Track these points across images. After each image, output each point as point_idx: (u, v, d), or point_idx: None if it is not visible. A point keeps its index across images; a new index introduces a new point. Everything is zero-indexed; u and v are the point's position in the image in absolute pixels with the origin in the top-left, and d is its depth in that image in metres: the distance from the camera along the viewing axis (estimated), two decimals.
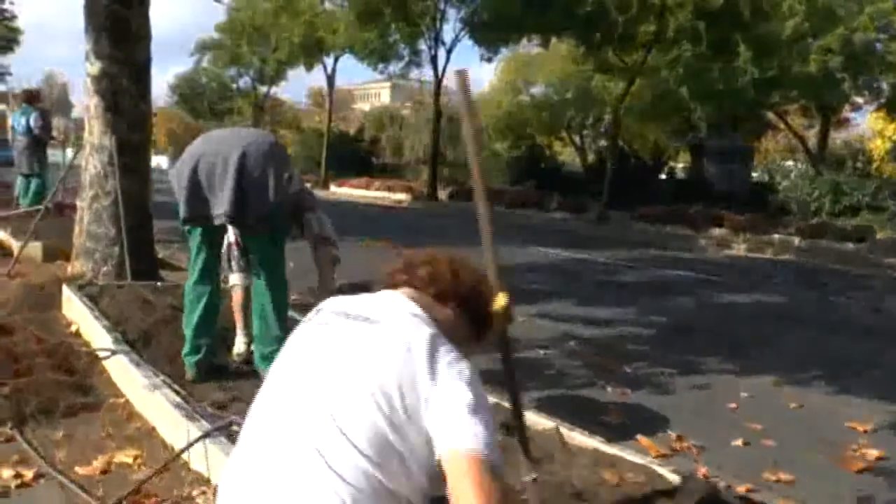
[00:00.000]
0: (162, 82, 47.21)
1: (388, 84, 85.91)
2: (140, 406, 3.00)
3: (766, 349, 5.83)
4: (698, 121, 27.62)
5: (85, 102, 5.54)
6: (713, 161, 22.54)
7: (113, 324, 3.74)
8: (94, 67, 5.38)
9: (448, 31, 28.75)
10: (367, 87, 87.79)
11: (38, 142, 9.40)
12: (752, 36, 17.65)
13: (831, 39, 20.07)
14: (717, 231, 16.44)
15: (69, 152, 10.67)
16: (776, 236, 15.59)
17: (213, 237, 3.30)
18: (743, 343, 6.00)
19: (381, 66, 24.08)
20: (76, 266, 5.54)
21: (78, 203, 5.61)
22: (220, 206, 3.08)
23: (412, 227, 15.56)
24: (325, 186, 28.25)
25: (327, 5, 25.61)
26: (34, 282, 5.30)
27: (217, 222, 3.15)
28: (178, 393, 2.87)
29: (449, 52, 22.94)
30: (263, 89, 35.55)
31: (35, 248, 6.53)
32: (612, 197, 19.13)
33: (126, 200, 5.40)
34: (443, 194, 24.08)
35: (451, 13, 22.65)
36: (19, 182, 10.33)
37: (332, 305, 1.50)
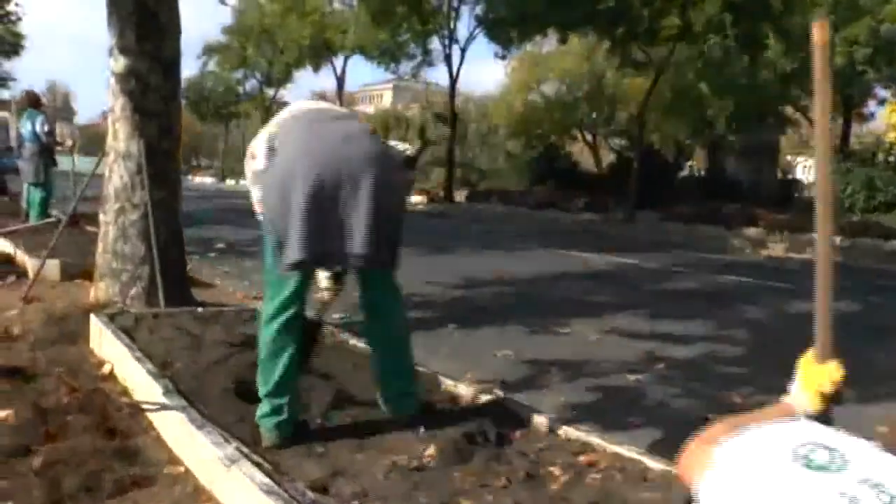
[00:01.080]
0: None
1: (389, 86, 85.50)
2: (208, 481, 2.35)
3: (880, 366, 5.17)
4: (716, 117, 27.04)
5: (109, 104, 4.89)
6: (739, 157, 21.86)
7: (158, 366, 3.10)
8: (119, 64, 4.74)
9: (462, 29, 27.99)
10: (368, 90, 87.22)
11: (46, 149, 8.79)
12: (783, 28, 17.00)
13: (857, 30, 19.42)
14: (751, 230, 15.78)
15: (76, 159, 10.03)
16: (815, 235, 14.89)
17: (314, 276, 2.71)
18: (857, 360, 5.32)
19: (392, 66, 23.38)
20: (100, 289, 4.89)
21: (101, 217, 4.96)
22: (355, 244, 2.37)
23: (443, 231, 14.93)
24: None
25: (336, 5, 24.98)
26: (54, 308, 4.66)
27: (353, 266, 2.49)
28: (259, 466, 2.22)
29: (463, 50, 22.34)
30: (270, 92, 34.97)
31: (51, 267, 5.89)
32: (637, 196, 18.51)
33: (156, 214, 4.76)
34: (458, 196, 23.44)
35: (465, 10, 21.99)
36: (26, 192, 9.72)
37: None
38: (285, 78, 32.02)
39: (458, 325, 5.78)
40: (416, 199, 23.53)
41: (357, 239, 2.36)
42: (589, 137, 32.93)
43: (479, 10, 21.04)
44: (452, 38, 22.32)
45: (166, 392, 2.75)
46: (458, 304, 6.91)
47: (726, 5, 16.28)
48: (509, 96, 33.02)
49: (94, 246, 7.08)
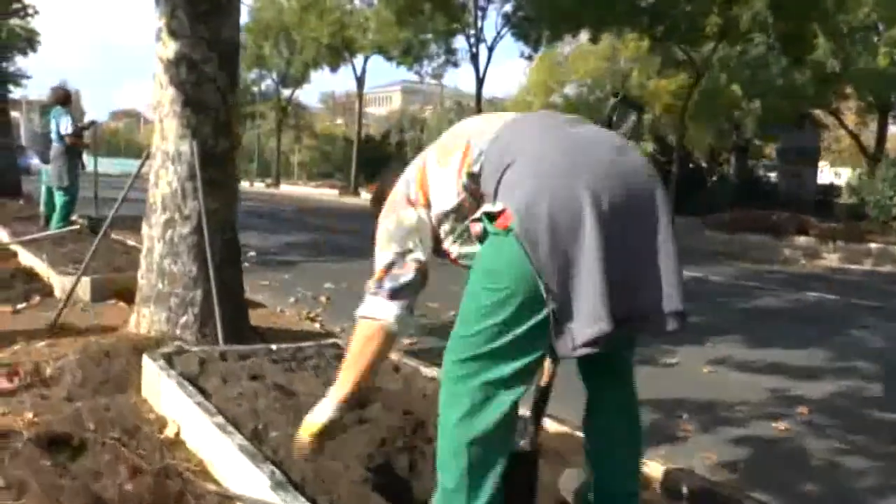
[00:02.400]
0: None
1: (398, 88, 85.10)
2: None
3: None
4: (744, 120, 26.24)
5: (156, 98, 4.15)
6: (777, 161, 21.02)
7: (249, 435, 2.34)
8: (169, 49, 3.99)
9: (488, 29, 27.11)
10: (377, 92, 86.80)
11: (71, 150, 8.07)
12: (832, 27, 16.20)
13: None
14: (800, 239, 14.96)
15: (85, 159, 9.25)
16: (872, 245, 14.09)
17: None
18: None
19: (416, 66, 22.63)
20: (143, 315, 4.14)
21: (145, 231, 4.21)
22: (669, 297, 1.62)
23: None
24: (356, 194, 26.87)
25: (357, 3, 24.26)
26: (93, 342, 3.91)
27: (669, 328, 1.66)
28: None
29: (490, 49, 21.52)
30: (285, 93, 34.24)
31: (80, 283, 5.14)
32: (675, 201, 17.70)
33: (211, 227, 4.01)
34: None
35: (492, 8, 21.20)
36: (44, 195, 9.01)
37: None
38: (302, 78, 31.26)
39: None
40: None
41: (669, 289, 1.60)
42: None
43: (508, 7, 20.28)
44: (480, 37, 21.53)
45: (276, 486, 1.98)
46: None
47: (773, 2, 15.48)
48: (528, 97, 32.27)
49: (124, 258, 6.38)
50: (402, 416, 2.46)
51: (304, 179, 40.29)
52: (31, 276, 5.58)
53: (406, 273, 1.91)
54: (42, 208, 9.10)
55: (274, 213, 19.03)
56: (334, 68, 28.47)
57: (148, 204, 4.18)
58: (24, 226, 8.75)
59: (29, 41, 14.64)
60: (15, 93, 18.02)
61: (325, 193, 29.11)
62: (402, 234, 1.93)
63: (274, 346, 3.43)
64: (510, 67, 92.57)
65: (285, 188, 30.79)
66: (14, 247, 7.18)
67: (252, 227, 13.67)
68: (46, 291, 5.25)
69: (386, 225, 1.99)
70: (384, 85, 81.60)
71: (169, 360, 3.11)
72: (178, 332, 4.01)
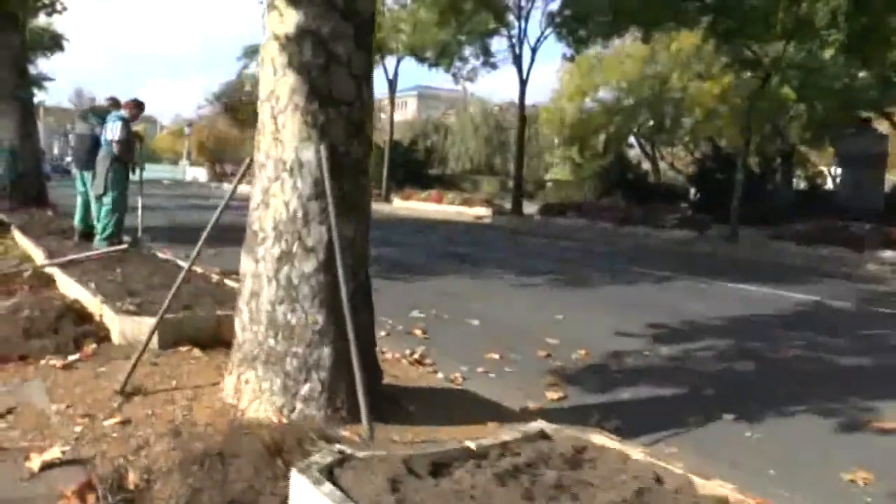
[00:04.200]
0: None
1: (414, 93, 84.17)
2: None
3: None
4: (791, 125, 25.01)
5: (266, 88, 3.07)
6: (843, 168, 19.78)
7: None
8: (288, 21, 2.93)
9: (531, 30, 25.81)
10: (396, 96, 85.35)
11: (117, 157, 7.05)
12: None
13: None
14: (886, 253, 13.75)
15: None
16: None
17: None
18: None
19: (454, 67, 21.57)
20: (247, 381, 3.06)
21: (246, 266, 3.13)
22: None
23: (540, 251, 13.07)
24: (388, 200, 25.84)
25: (389, 2, 23.21)
26: (184, 424, 2.85)
27: None
28: None
29: (534, 51, 20.43)
30: None
31: (144, 326, 4.08)
32: (728, 211, 16.50)
33: (345, 262, 2.93)
34: (528, 208, 21.52)
35: (535, 7, 20.11)
36: (80, 207, 8.00)
37: None
38: None
39: (716, 415, 4.01)
40: (479, 210, 21.62)
41: None
42: (647, 146, 30.96)
43: (553, 6, 19.19)
44: (523, 38, 20.43)
45: None
46: (685, 375, 5.06)
47: None
48: (561, 101, 31.14)
49: (188, 289, 5.31)
50: None
51: None
52: (77, 312, 4.50)
53: None
54: (76, 222, 8.08)
55: None
56: None
57: (250, 231, 3.11)
58: (59, 242, 7.71)
59: (55, 41, 13.68)
60: (38, 95, 17.14)
61: None
62: None
63: (471, 445, 2.33)
64: (540, 73, 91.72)
65: None
66: (51, 269, 6.14)
67: None
68: (101, 335, 4.18)
69: None
70: (400, 90, 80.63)
71: (330, 473, 2.03)
72: (298, 405, 2.93)
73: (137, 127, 7.42)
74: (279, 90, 2.96)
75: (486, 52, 21.99)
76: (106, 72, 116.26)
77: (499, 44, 28.21)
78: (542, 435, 2.59)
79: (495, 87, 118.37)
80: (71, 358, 3.78)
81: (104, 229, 7.06)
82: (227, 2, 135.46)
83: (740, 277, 10.39)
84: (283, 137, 2.96)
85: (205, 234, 3.33)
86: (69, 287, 5.36)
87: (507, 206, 22.18)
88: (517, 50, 20.26)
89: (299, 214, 2.95)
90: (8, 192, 11.68)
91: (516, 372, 4.89)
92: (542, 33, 20.19)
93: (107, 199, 7.03)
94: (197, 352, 4.00)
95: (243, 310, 3.10)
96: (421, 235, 15.40)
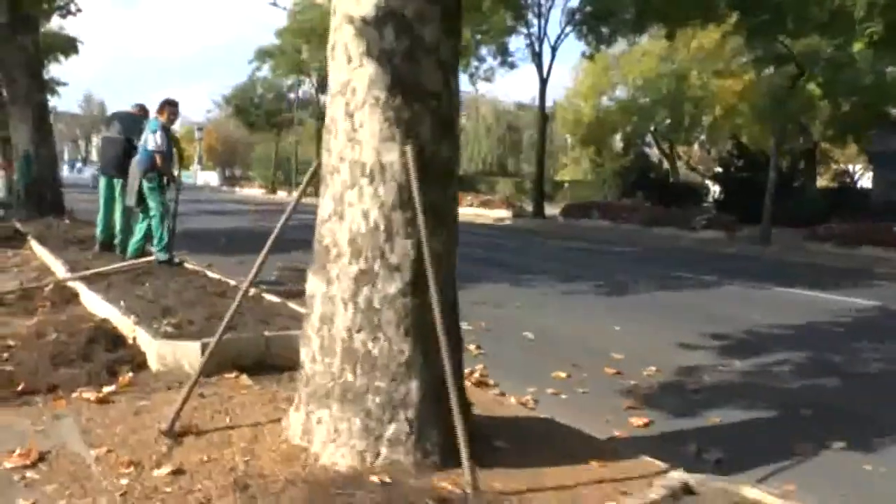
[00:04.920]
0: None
1: None
2: None
3: None
4: (815, 122, 24.43)
5: (338, 80, 2.64)
6: (876, 167, 19.22)
7: None
8: (364, 1, 2.50)
9: (552, 26, 25.22)
10: None
11: (151, 167, 6.64)
12: None
13: None
14: None
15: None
16: None
17: None
18: None
19: (471, 67, 21.11)
20: (319, 421, 2.63)
21: (314, 287, 2.70)
22: None
23: (579, 258, 12.60)
24: None
25: None
26: (241, 469, 2.42)
27: None
28: None
29: (554, 49, 19.93)
30: (324, 98, 32.87)
31: (186, 350, 3.66)
32: (755, 211, 15.99)
33: (435, 282, 2.49)
34: (551, 210, 21.04)
35: (555, 5, 19.64)
36: (102, 216, 7.61)
37: None
38: None
39: (823, 443, 3.59)
40: (499, 213, 21.14)
41: None
42: (665, 145, 30.43)
43: (573, 2, 18.72)
44: (543, 36, 19.95)
45: None
46: (770, 393, 4.62)
47: None
48: (576, 100, 30.65)
49: (223, 304, 4.87)
50: None
51: None
52: (108, 333, 4.07)
53: None
54: (98, 232, 7.67)
55: None
56: None
57: (320, 246, 2.68)
58: (79, 253, 7.31)
59: (70, 43, 13.32)
60: (51, 100, 16.79)
61: None
62: None
63: None
64: (553, 72, 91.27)
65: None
66: (74, 284, 5.73)
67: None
68: (137, 361, 3.75)
69: None
70: None
71: None
72: (383, 450, 2.50)
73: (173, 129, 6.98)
74: (356, 82, 2.52)
75: (504, 52, 21.52)
76: (107, 77, 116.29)
77: (516, 42, 27.75)
78: (687, 489, 2.15)
79: (506, 87, 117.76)
80: (106, 389, 3.36)
81: (160, 240, 6.59)
82: (224, 4, 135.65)
83: (786, 281, 9.92)
84: (361, 137, 2.53)
85: (263, 255, 2.89)
86: (95, 304, 4.95)
87: (527, 207, 21.71)
88: (537, 48, 19.80)
89: (381, 227, 2.52)
90: (23, 198, 11.31)
91: (590, 393, 4.46)
92: (563, 31, 19.73)
93: (152, 210, 6.59)
94: (245, 379, 3.58)
95: (312, 338, 2.66)
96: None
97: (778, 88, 21.33)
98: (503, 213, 21.00)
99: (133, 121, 7.53)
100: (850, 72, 19.39)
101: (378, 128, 2.51)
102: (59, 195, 11.73)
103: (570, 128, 30.26)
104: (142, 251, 6.80)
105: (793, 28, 14.62)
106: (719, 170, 22.97)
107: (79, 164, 57.82)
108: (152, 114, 7.05)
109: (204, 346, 3.59)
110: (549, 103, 25.09)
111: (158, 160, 6.45)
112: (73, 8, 11.44)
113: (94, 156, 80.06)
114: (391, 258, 2.52)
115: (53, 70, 17.50)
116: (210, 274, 6.31)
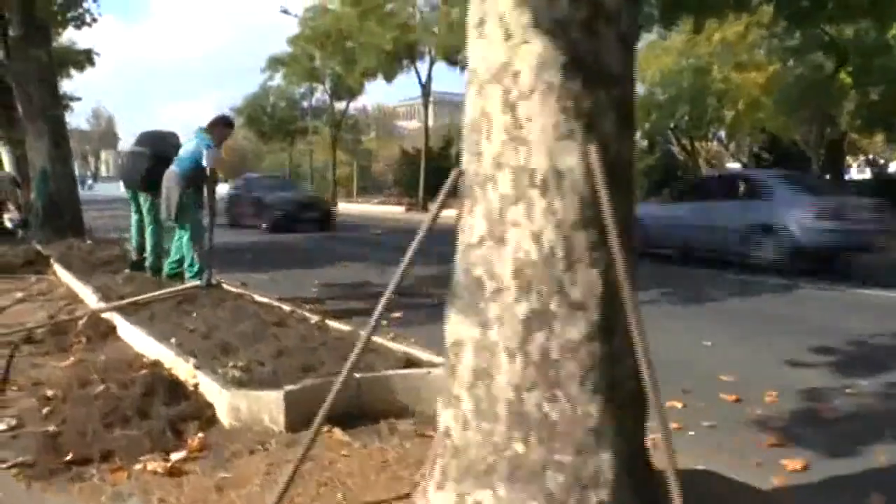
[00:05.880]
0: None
1: (430, 99, 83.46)
2: None
3: None
4: (844, 112, 23.74)
5: (491, 62, 2.02)
6: None
7: None
8: None
9: None
10: (407, 104, 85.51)
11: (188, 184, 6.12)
12: None
13: None
14: None
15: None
16: None
17: None
18: None
19: None
20: (459, 499, 2.01)
21: (457, 331, 2.08)
22: None
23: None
24: (426, 209, 24.77)
25: (420, 3, 22.25)
26: None
27: None
28: None
29: None
30: (338, 106, 32.32)
31: (266, 402, 3.06)
32: None
33: (635, 321, 1.87)
34: None
35: None
36: (135, 231, 7.09)
37: None
38: (359, 89, 29.23)
39: None
40: None
41: None
42: (686, 142, 29.75)
43: None
44: None
45: None
46: None
47: None
48: None
49: (292, 336, 4.24)
50: None
51: (344, 196, 38.08)
52: (164, 380, 3.44)
53: None
54: (131, 247, 7.18)
55: (364, 237, 16.93)
56: (390, 78, 26.42)
57: (468, 279, 2.06)
58: (108, 278, 6.73)
59: (87, 55, 12.82)
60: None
61: (390, 211, 27.01)
62: None
63: None
64: None
65: (343, 206, 28.76)
66: (111, 314, 5.15)
67: (347, 255, 11.61)
68: (204, 415, 3.13)
69: None
70: (415, 97, 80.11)
71: None
72: None
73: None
74: (519, 63, 1.92)
75: None
76: (110, 89, 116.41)
77: None
78: None
79: None
80: (175, 457, 2.75)
81: (191, 265, 6.07)
82: (224, 13, 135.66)
83: (855, 281, 9.26)
84: (529, 136, 1.92)
85: (397, 279, 2.27)
86: (138, 340, 4.37)
87: None
88: None
89: (558, 252, 1.91)
90: (41, 218, 10.77)
91: (718, 427, 3.85)
92: None
93: (185, 230, 6.07)
94: (339, 433, 2.97)
95: (462, 397, 2.05)
96: None
97: (813, 78, 20.66)
98: None
99: (161, 138, 7.13)
100: (885, 59, 18.73)
101: (552, 122, 1.90)
102: (78, 213, 11.19)
103: None
104: (179, 272, 6.25)
105: (834, 14, 13.96)
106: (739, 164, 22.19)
107: (89, 181, 57.44)
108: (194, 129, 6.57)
109: (288, 397, 2.99)
110: None
111: (207, 173, 6.01)
112: (87, 18, 10.89)
113: (103, 171, 79.88)
114: (573, 293, 1.91)
115: (65, 86, 17.10)
116: (258, 297, 5.71)
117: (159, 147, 6.84)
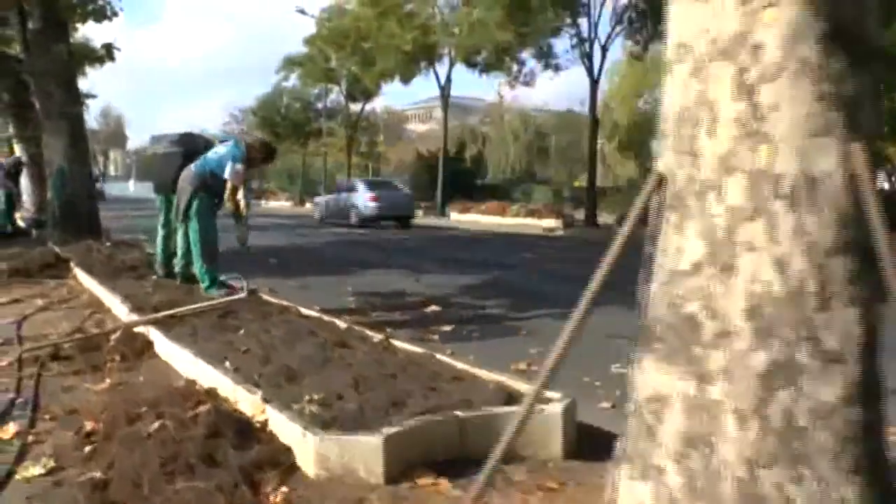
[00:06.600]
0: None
1: (438, 103, 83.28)
2: None
3: None
4: None
5: (703, 32, 1.56)
6: None
7: None
8: None
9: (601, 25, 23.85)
10: (417, 107, 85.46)
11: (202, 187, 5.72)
12: None
13: None
14: None
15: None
16: None
17: None
18: None
19: (515, 71, 20.12)
20: None
21: (656, 381, 1.62)
22: None
23: None
24: (443, 214, 24.35)
25: (440, 3, 21.84)
26: None
27: None
28: None
29: (605, 48, 18.84)
30: (354, 107, 31.91)
31: (362, 450, 2.58)
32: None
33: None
34: (604, 218, 19.93)
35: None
36: (161, 237, 6.68)
37: None
38: (375, 90, 28.84)
39: None
40: (549, 222, 19.93)
41: None
42: None
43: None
44: (594, 36, 18.88)
45: None
46: None
47: None
48: (613, 104, 29.60)
49: (369, 369, 3.71)
50: None
51: None
52: (228, 417, 2.96)
53: None
54: (158, 254, 6.76)
55: (379, 243, 16.46)
56: (407, 79, 25.98)
57: (675, 316, 1.59)
58: (135, 285, 6.28)
59: (107, 50, 12.41)
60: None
61: None
62: None
63: None
64: (582, 74, 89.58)
65: None
66: (145, 328, 4.69)
67: (378, 262, 11.12)
68: (281, 461, 2.65)
69: None
70: (424, 101, 79.86)
71: None
72: None
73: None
74: (760, 34, 1.45)
75: (548, 54, 20.47)
76: (121, 90, 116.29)
77: (559, 44, 26.78)
78: None
79: (527, 92, 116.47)
80: None
81: (203, 276, 5.66)
82: (226, 15, 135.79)
83: None
84: (774, 129, 1.45)
85: (582, 312, 1.80)
86: (181, 360, 3.91)
87: (576, 215, 20.62)
88: (588, 48, 18.70)
89: (810, 286, 1.44)
90: (58, 218, 10.35)
91: None
92: (613, 30, 18.66)
93: (192, 235, 5.66)
94: (446, 485, 2.49)
95: (669, 471, 1.58)
96: (515, 253, 13.83)
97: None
98: (552, 223, 19.81)
99: (192, 138, 6.74)
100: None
101: (805, 112, 1.44)
102: (95, 214, 10.75)
103: (608, 132, 29.17)
104: (188, 274, 5.91)
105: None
106: None
107: (99, 183, 57.21)
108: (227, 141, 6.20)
109: (388, 443, 2.51)
110: (576, 107, 24.02)
111: (228, 190, 5.59)
112: (108, 11, 10.46)
113: (112, 171, 79.60)
114: (828, 340, 1.44)
115: (79, 84, 16.65)
116: (303, 311, 5.24)
117: (190, 147, 6.45)
